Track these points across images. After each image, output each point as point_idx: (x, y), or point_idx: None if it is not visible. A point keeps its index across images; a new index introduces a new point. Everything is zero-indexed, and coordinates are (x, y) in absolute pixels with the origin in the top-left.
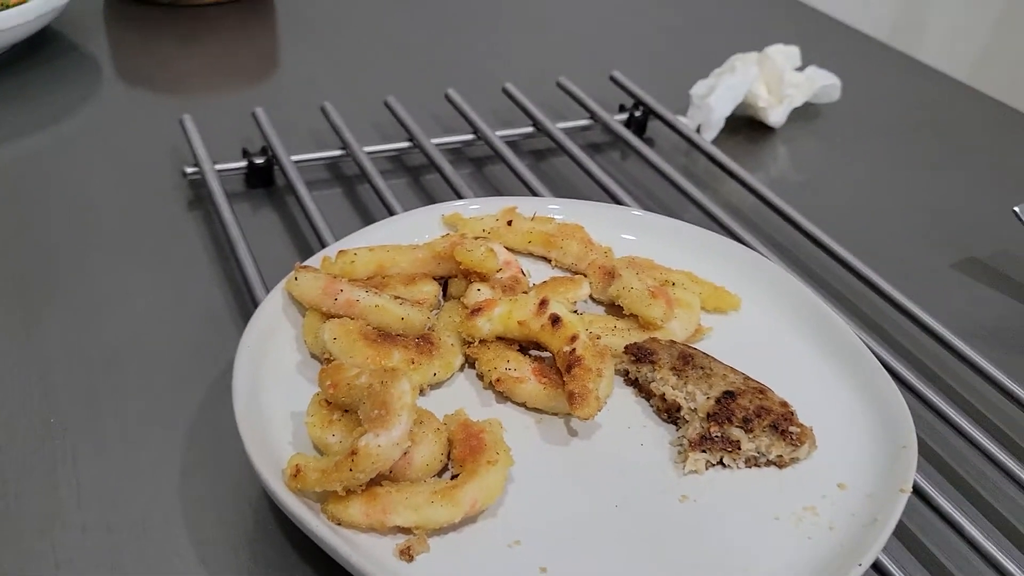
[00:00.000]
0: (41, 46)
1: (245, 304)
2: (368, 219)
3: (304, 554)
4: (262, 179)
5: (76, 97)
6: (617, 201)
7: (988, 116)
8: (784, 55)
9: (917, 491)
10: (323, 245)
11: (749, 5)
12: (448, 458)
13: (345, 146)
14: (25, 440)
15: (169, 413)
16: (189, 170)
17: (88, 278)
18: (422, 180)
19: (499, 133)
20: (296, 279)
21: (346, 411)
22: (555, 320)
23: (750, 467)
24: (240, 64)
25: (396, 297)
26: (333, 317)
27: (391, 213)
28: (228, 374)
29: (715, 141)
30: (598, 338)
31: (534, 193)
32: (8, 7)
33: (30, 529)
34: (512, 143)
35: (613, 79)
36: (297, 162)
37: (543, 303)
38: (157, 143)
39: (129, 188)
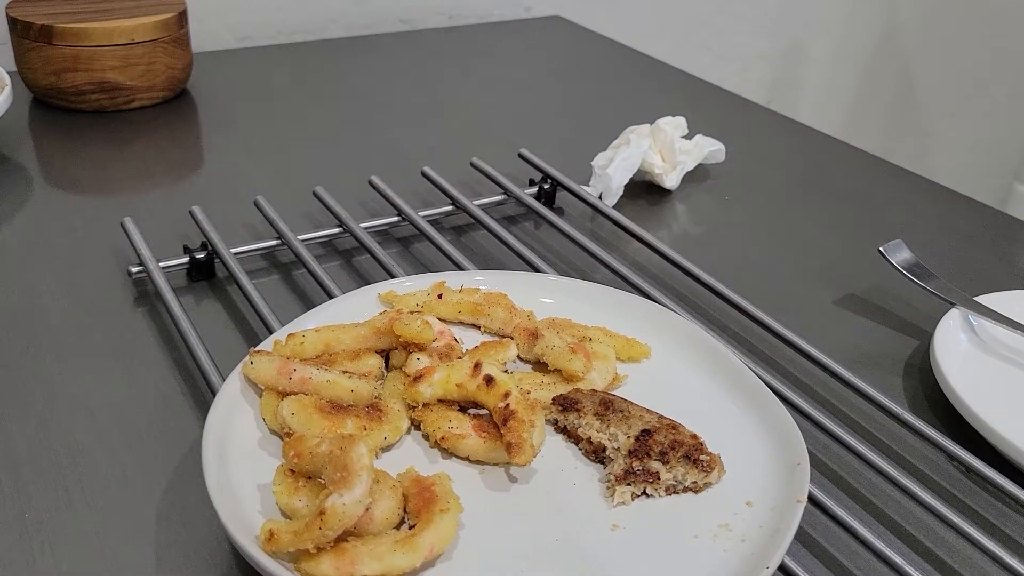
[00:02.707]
0: None
1: (199, 390)
2: (307, 301)
3: None
4: (204, 272)
5: (10, 207)
6: (534, 268)
7: (857, 166)
8: (672, 125)
9: (813, 501)
10: (268, 329)
11: (640, 80)
12: (404, 511)
13: (280, 236)
14: (1, 535)
15: (138, 498)
16: (134, 269)
17: (43, 377)
18: (354, 261)
19: (422, 213)
20: (252, 363)
21: (309, 478)
22: (489, 380)
23: (670, 494)
24: (169, 163)
25: (344, 371)
26: (288, 394)
27: (328, 294)
28: (190, 456)
29: (617, 206)
30: (528, 393)
31: (458, 266)
32: None
33: None
34: (434, 221)
35: (521, 156)
36: (236, 254)
37: (477, 366)
38: (97, 245)
39: (74, 290)
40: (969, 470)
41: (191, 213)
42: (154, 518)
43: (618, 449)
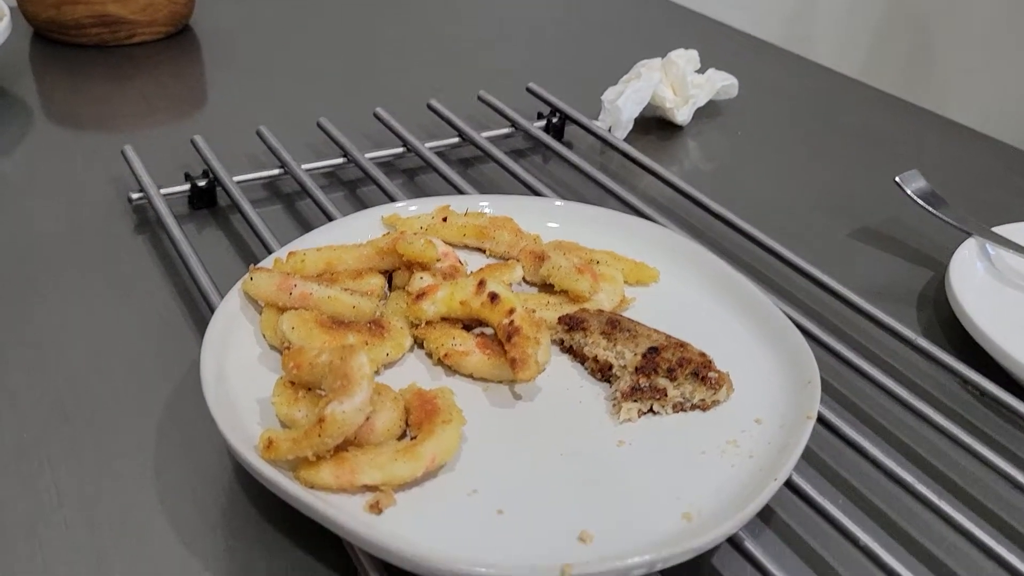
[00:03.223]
0: None
1: (200, 312)
2: (309, 228)
3: (278, 526)
4: (205, 200)
5: (9, 140)
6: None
7: (872, 105)
8: (685, 58)
9: (823, 421)
10: (270, 253)
11: (650, 16)
12: (407, 424)
13: (283, 164)
14: (0, 457)
15: (137, 415)
16: (135, 196)
17: (42, 305)
18: (358, 192)
19: (428, 145)
20: (251, 279)
21: (309, 389)
22: (493, 297)
23: (677, 412)
24: (171, 98)
25: (346, 289)
26: (288, 310)
27: (331, 221)
28: (191, 375)
29: (628, 140)
30: (533, 311)
31: (461, 193)
32: None
33: (14, 533)
34: (440, 153)
35: (530, 90)
36: (239, 182)
37: (481, 283)
38: (97, 176)
39: (73, 218)
40: (983, 394)
41: (192, 142)
42: (154, 434)
43: (625, 366)
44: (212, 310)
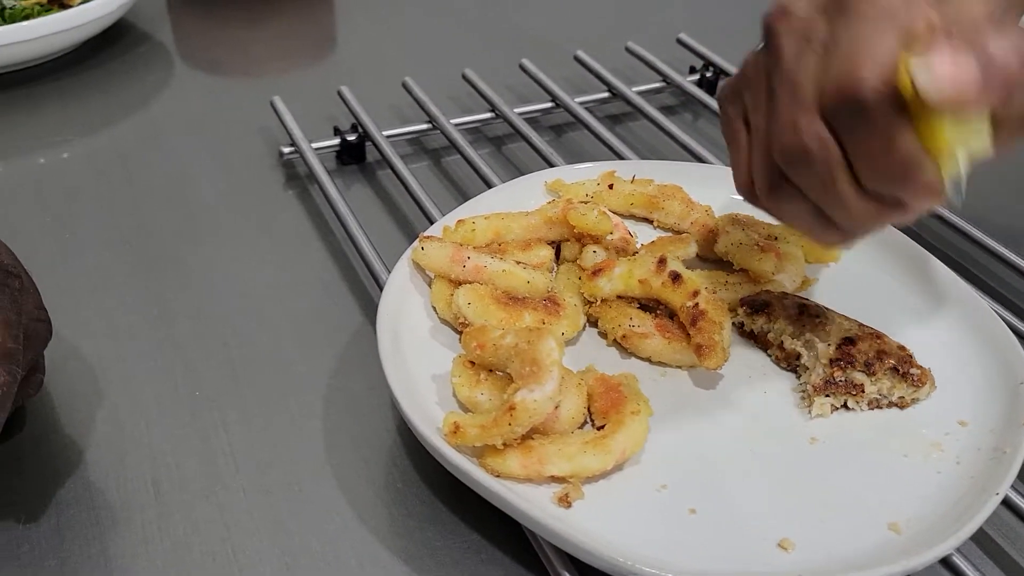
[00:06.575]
0: (115, 38)
1: (355, 275)
2: (459, 188)
3: (450, 505)
4: (354, 155)
5: (154, 85)
6: (699, 159)
7: None
8: None
9: None
10: (425, 215)
11: None
12: (588, 411)
13: (431, 119)
14: (176, 414)
15: (303, 382)
16: (286, 150)
17: (202, 258)
18: (505, 149)
19: (577, 99)
20: (423, 248)
21: (490, 371)
22: (675, 277)
23: (872, 408)
24: (309, 44)
25: (518, 262)
26: (461, 283)
27: (484, 181)
28: (354, 342)
29: None
30: (713, 292)
31: (618, 155)
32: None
33: (195, 496)
34: (588, 108)
35: (680, 41)
36: (388, 137)
37: (662, 261)
38: (244, 125)
39: (224, 169)
40: None
41: (339, 93)
42: (321, 403)
43: (816, 357)
44: (373, 274)
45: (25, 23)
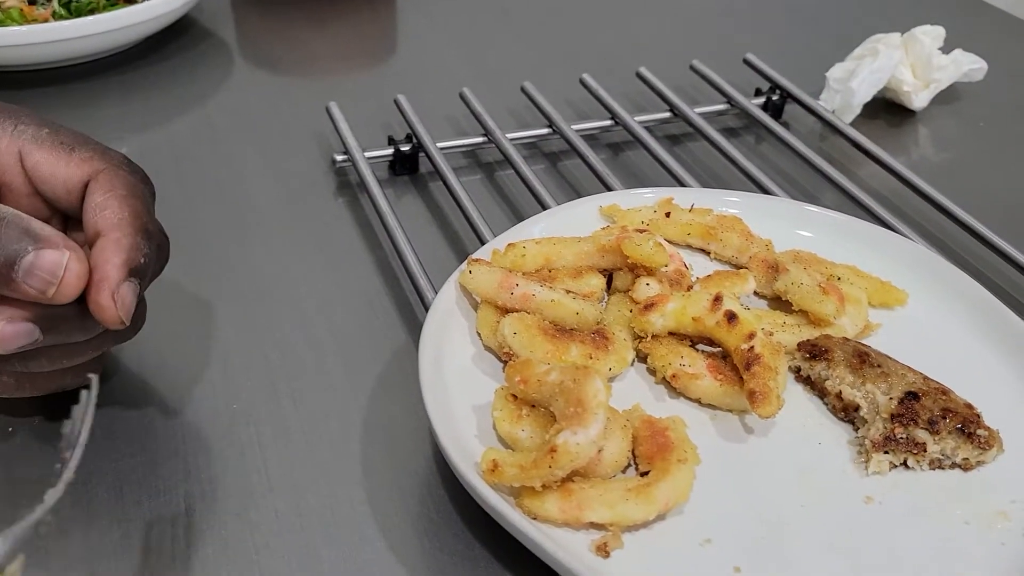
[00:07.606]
0: (178, 34)
1: (401, 290)
2: (512, 205)
3: (486, 543)
4: (407, 166)
5: (213, 83)
6: (761, 188)
7: None
8: (931, 36)
9: None
10: (476, 233)
11: None
12: (633, 454)
13: (487, 133)
14: (213, 426)
15: (343, 401)
16: (339, 158)
17: (250, 263)
18: (560, 166)
19: (637, 118)
20: (470, 272)
21: (532, 406)
22: (731, 317)
23: (933, 469)
24: (368, 46)
25: (568, 291)
26: (508, 310)
27: (538, 200)
28: (395, 362)
29: (852, 124)
30: (771, 335)
31: (676, 179)
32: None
33: (227, 513)
34: (648, 128)
35: (747, 62)
36: (442, 149)
37: (717, 299)
38: (300, 127)
39: (275, 174)
40: None
41: (396, 102)
42: (359, 425)
43: (876, 411)
44: (418, 292)
45: (91, 18)
